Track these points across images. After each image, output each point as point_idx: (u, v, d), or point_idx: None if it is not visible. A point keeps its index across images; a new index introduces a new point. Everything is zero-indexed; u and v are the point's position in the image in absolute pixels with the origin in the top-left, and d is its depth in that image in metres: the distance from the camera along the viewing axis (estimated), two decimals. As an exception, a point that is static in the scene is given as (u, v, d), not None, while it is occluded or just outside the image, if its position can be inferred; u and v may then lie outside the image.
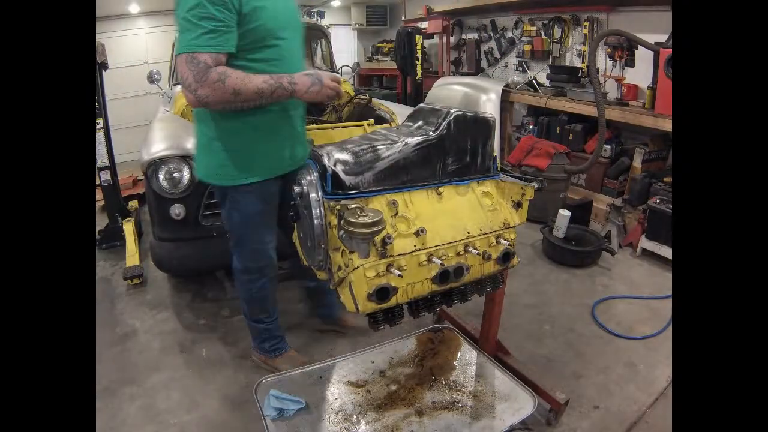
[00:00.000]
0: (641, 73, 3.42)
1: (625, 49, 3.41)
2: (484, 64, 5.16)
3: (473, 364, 1.81)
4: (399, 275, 1.13)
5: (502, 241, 1.32)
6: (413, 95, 5.03)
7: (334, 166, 1.13)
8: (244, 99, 1.31)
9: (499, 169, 1.39)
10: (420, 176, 1.24)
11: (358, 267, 1.11)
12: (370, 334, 2.22)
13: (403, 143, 1.21)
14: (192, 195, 2.14)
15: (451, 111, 1.26)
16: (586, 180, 3.75)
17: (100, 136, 3.10)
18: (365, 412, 1.59)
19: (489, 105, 4.06)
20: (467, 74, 5.18)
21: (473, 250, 1.25)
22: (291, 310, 2.48)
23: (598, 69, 3.31)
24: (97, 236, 3.29)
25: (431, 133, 1.24)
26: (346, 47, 7.48)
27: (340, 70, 3.69)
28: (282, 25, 1.41)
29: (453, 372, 1.77)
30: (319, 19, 6.37)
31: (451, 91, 4.37)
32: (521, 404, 1.59)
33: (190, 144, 2.15)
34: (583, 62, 3.94)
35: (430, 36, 5.70)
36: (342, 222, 1.07)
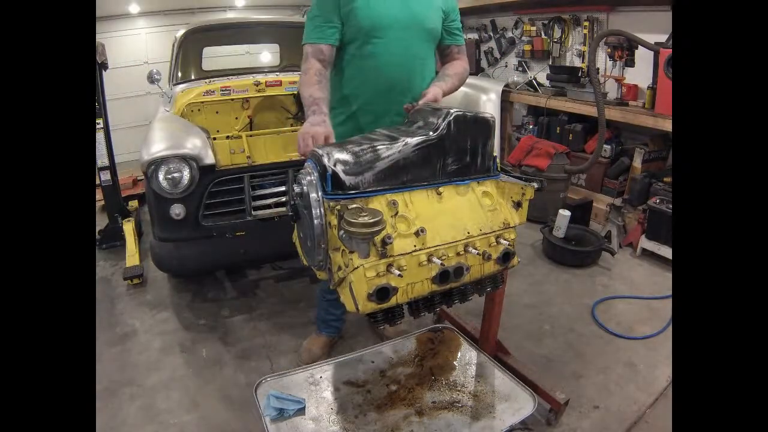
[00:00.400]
0: (641, 73, 3.42)
1: (625, 49, 3.41)
2: (484, 64, 5.16)
3: (473, 364, 1.81)
4: (399, 275, 1.13)
5: (502, 241, 1.32)
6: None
7: (334, 166, 1.13)
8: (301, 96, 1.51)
9: (499, 169, 1.38)
10: (420, 176, 1.24)
11: (358, 267, 1.11)
12: (370, 334, 2.23)
13: (403, 143, 1.20)
14: (192, 195, 2.13)
15: (451, 111, 1.26)
16: (586, 180, 3.75)
17: (100, 136, 3.10)
18: (365, 412, 1.59)
19: (489, 105, 4.05)
20: (467, 74, 5.18)
21: (473, 250, 1.25)
22: (291, 311, 2.48)
23: (598, 69, 3.30)
24: (97, 236, 3.29)
25: (431, 133, 1.24)
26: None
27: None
28: (380, 24, 1.53)
29: (453, 372, 1.77)
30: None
31: (451, 91, 4.36)
32: (521, 404, 1.59)
33: (190, 144, 2.16)
34: (583, 62, 3.94)
35: (430, 36, 5.69)
36: (342, 222, 1.07)
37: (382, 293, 1.13)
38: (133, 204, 3.92)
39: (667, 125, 2.91)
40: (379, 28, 1.54)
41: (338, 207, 1.12)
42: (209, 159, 2.14)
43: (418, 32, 1.58)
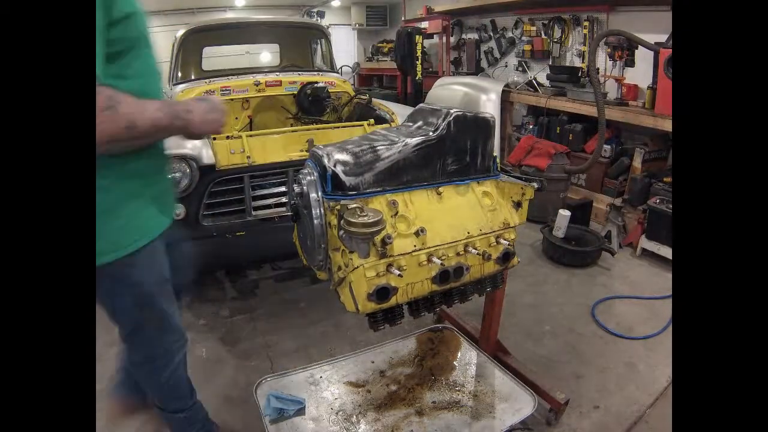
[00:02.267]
0: (641, 73, 3.42)
1: (625, 49, 3.41)
2: (484, 64, 5.16)
3: (473, 364, 1.81)
4: (399, 275, 1.13)
5: (502, 241, 1.32)
6: (413, 95, 5.03)
7: (334, 166, 1.13)
8: (137, 135, 0.96)
9: (499, 169, 1.39)
10: (420, 176, 1.24)
11: (357, 267, 1.11)
12: (370, 334, 2.23)
13: (403, 143, 1.21)
14: (192, 195, 2.13)
15: (451, 111, 1.26)
16: (586, 180, 3.75)
17: (100, 136, 3.10)
18: (365, 412, 1.59)
19: (489, 105, 4.07)
20: (467, 74, 5.19)
21: (473, 250, 1.25)
22: (291, 311, 2.48)
23: (598, 69, 3.30)
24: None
25: (431, 133, 1.24)
26: (346, 47, 7.49)
27: (340, 70, 3.69)
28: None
29: (453, 372, 1.77)
30: (319, 19, 6.38)
31: (451, 91, 4.38)
32: (521, 404, 1.60)
33: (189, 144, 2.15)
34: (583, 62, 3.94)
35: (430, 36, 5.70)
36: (342, 222, 1.07)
37: (382, 293, 1.13)
38: (133, 204, 3.92)
39: (667, 125, 2.91)
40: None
41: (338, 207, 1.12)
42: (209, 159, 2.14)
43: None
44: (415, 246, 1.17)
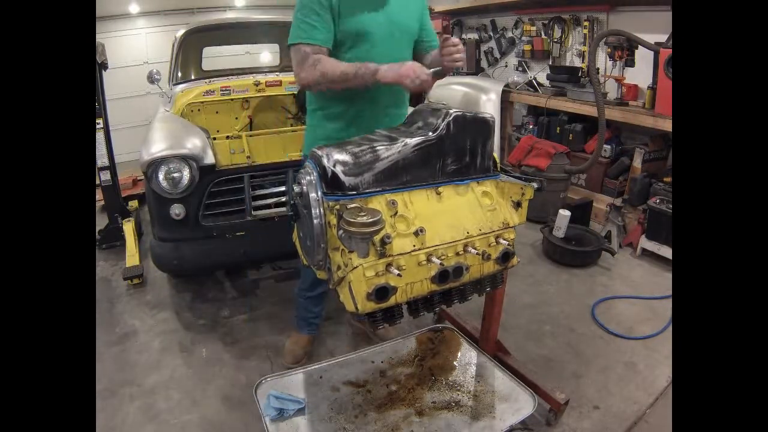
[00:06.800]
0: (641, 73, 3.42)
1: (625, 49, 3.40)
2: (484, 64, 5.15)
3: (473, 364, 1.81)
4: (398, 275, 1.13)
5: (502, 241, 1.32)
6: (413, 95, 5.02)
7: (334, 166, 1.13)
8: (331, 80, 1.48)
9: (498, 169, 1.39)
10: (419, 176, 1.24)
11: (357, 266, 1.11)
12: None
13: (403, 143, 1.21)
14: (192, 195, 2.13)
15: (451, 111, 1.26)
16: (586, 180, 3.74)
17: (100, 136, 3.10)
18: (365, 412, 1.59)
19: (489, 105, 4.06)
20: (467, 74, 5.18)
21: (472, 250, 1.25)
22: (291, 311, 2.48)
23: (598, 69, 3.30)
24: (97, 236, 3.29)
25: (431, 133, 1.24)
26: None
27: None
28: (369, 29, 1.55)
29: (453, 372, 1.77)
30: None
31: (451, 91, 4.37)
32: (521, 404, 1.59)
33: (190, 144, 2.16)
34: (583, 62, 3.94)
35: (430, 36, 5.69)
36: (341, 221, 1.07)
37: (381, 293, 1.13)
38: (133, 204, 3.92)
39: (667, 125, 2.91)
40: (368, 33, 1.55)
41: (337, 207, 1.12)
42: (209, 159, 2.14)
43: (401, 39, 1.62)
44: (414, 246, 1.17)
